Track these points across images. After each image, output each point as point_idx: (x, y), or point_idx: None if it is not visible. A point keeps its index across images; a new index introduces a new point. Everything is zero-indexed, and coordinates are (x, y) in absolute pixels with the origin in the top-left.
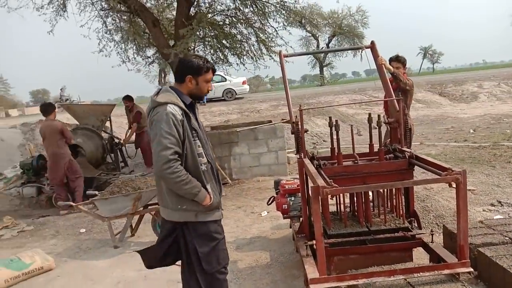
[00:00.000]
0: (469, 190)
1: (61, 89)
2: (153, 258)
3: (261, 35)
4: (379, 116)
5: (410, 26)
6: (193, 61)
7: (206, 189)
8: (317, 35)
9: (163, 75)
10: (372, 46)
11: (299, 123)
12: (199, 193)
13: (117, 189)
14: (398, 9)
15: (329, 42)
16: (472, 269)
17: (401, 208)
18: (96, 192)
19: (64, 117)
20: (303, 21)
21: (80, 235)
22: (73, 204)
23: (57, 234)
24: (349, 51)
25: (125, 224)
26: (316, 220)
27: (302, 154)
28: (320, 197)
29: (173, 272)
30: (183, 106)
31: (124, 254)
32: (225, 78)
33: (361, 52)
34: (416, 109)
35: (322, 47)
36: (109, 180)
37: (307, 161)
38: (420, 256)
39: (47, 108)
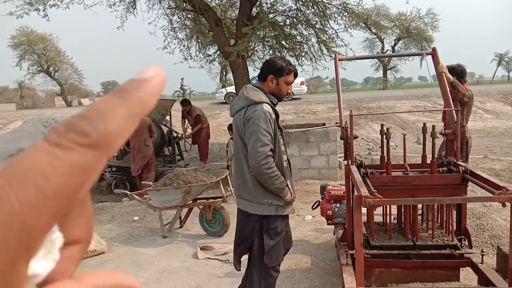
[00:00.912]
0: None
1: (181, 79)
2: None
3: (322, 36)
4: (433, 126)
5: (485, 31)
6: (277, 62)
7: (287, 185)
8: (383, 38)
9: (224, 73)
10: (434, 53)
11: (349, 128)
12: (284, 189)
13: (169, 181)
14: (474, 15)
15: (394, 45)
16: None
17: (451, 225)
18: (150, 183)
19: None
20: (368, 23)
21: (133, 222)
22: (128, 192)
23: (112, 220)
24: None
25: (175, 216)
26: (357, 230)
27: (350, 161)
28: (362, 207)
29: (215, 267)
30: (273, 106)
31: (171, 244)
32: None
33: (421, 58)
34: (484, 119)
35: (387, 50)
36: (165, 171)
37: (354, 169)
38: (469, 277)
39: None
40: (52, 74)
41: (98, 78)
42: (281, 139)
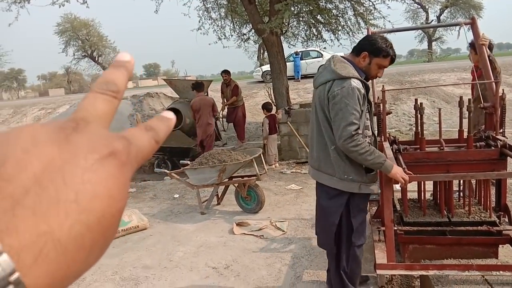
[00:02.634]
0: None
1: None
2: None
3: (359, 9)
4: (469, 100)
5: None
6: (377, 41)
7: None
8: (427, 7)
9: (262, 52)
10: (473, 23)
11: (381, 104)
12: (385, 163)
13: (205, 160)
14: None
15: (440, 15)
16: None
17: (489, 201)
18: (188, 162)
19: (168, 91)
20: None
21: (173, 199)
22: (168, 172)
23: (155, 198)
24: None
25: (211, 193)
26: (387, 206)
27: (383, 137)
28: (393, 184)
29: (250, 242)
30: (363, 80)
31: (209, 221)
32: (321, 54)
33: (459, 28)
34: None
35: (432, 20)
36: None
37: (386, 145)
38: (509, 254)
39: (200, 86)
40: (96, 59)
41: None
42: (368, 113)
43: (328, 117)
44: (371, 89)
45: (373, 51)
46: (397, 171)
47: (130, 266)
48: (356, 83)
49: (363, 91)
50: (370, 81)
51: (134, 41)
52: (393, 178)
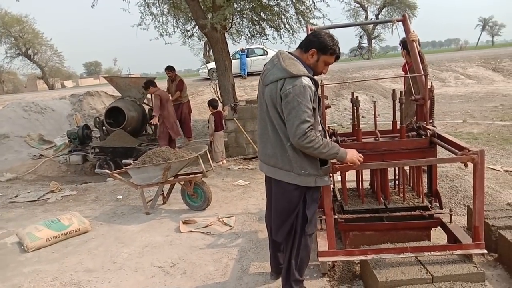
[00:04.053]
0: (507, 171)
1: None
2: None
3: (300, 7)
4: (401, 92)
5: None
6: (324, 38)
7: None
8: (366, 6)
9: (208, 49)
10: (404, 20)
11: (321, 98)
12: (339, 151)
13: (148, 159)
14: None
15: (378, 14)
16: (486, 251)
17: (421, 187)
18: (131, 161)
19: (110, 89)
20: None
21: (117, 201)
22: (110, 172)
23: (97, 200)
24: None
25: (156, 192)
26: (326, 195)
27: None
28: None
29: (197, 239)
30: (312, 77)
31: (154, 220)
32: (267, 52)
33: (393, 25)
34: (466, 85)
35: (371, 19)
36: (148, 150)
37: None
38: (441, 236)
39: (153, 82)
40: (32, 57)
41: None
42: (317, 110)
43: (281, 115)
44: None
45: (321, 48)
46: (353, 154)
47: (71, 271)
48: (307, 81)
49: (313, 88)
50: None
51: (73, 38)
52: (349, 162)
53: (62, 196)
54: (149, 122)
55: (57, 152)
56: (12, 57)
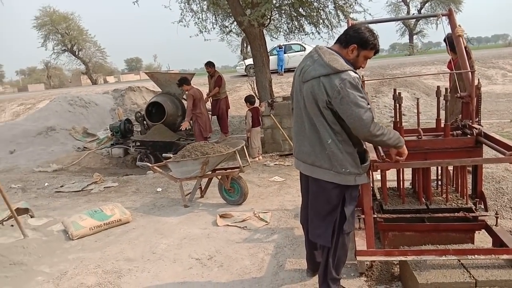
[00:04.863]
0: None
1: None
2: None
3: (339, 2)
4: (446, 89)
5: None
6: (365, 33)
7: (366, 150)
8: (408, 1)
9: (245, 45)
10: (450, 14)
11: None
12: (400, 137)
13: (187, 153)
14: None
15: (421, 8)
16: None
17: (465, 188)
18: (171, 155)
19: (150, 85)
20: None
21: (156, 193)
22: (150, 165)
23: (137, 192)
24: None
25: (194, 186)
26: (366, 194)
27: None
28: (371, 171)
29: (233, 233)
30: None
31: (192, 213)
32: (304, 48)
33: (437, 20)
34: None
35: (413, 14)
36: (187, 145)
37: None
38: (485, 240)
39: (187, 80)
40: (76, 53)
41: (121, 56)
42: None
43: (323, 112)
44: None
45: (362, 44)
46: (403, 142)
47: (113, 259)
48: (354, 74)
49: (360, 80)
50: None
51: (114, 34)
52: (397, 153)
53: (104, 187)
54: (180, 127)
55: (100, 145)
56: (58, 53)
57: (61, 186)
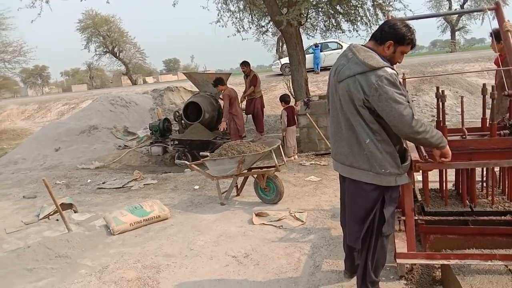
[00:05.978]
0: None
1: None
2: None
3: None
4: (493, 87)
5: None
6: (402, 28)
7: (406, 149)
8: None
9: (280, 44)
10: (497, 8)
11: None
12: (442, 137)
13: (224, 151)
14: None
15: (464, 3)
16: None
17: None
18: (208, 154)
19: (188, 85)
20: None
21: (194, 191)
22: (188, 163)
23: (175, 189)
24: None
25: (231, 184)
26: (407, 195)
27: None
28: (412, 172)
29: (269, 232)
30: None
31: (228, 211)
32: (341, 46)
33: (483, 14)
34: None
35: (456, 9)
36: (223, 144)
37: None
38: None
39: (222, 80)
40: (117, 55)
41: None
42: None
43: (359, 111)
44: None
45: (399, 39)
46: (448, 148)
47: (152, 255)
48: (391, 70)
49: (397, 77)
50: None
51: (153, 35)
52: (440, 154)
53: (144, 184)
54: (218, 128)
55: (139, 143)
56: (100, 54)
57: (103, 183)
